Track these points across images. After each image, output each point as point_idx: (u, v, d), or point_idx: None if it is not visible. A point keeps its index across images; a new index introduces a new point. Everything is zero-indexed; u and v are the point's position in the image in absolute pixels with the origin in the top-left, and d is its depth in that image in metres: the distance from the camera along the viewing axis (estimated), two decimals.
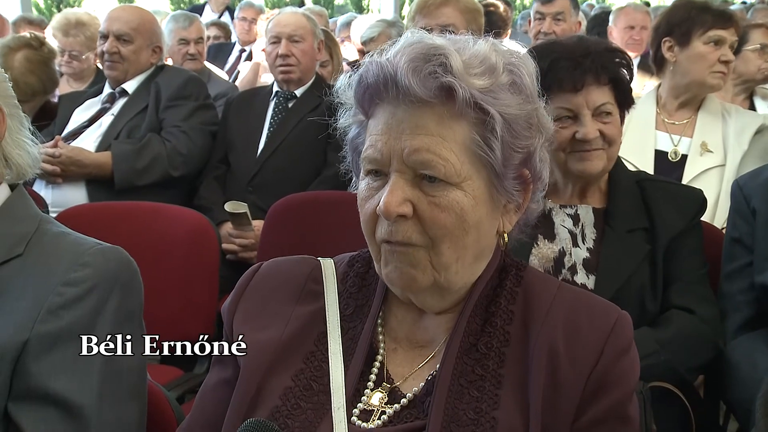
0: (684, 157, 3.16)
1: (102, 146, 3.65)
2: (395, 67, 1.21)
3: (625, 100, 2.16)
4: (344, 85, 1.32)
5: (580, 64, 2.07)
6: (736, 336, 2.08)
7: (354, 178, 1.40)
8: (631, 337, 1.29)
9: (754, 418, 1.87)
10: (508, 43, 1.32)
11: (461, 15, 3.24)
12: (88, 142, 3.69)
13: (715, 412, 2.32)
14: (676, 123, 3.23)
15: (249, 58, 6.88)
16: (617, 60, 2.14)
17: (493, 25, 4.53)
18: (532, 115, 1.27)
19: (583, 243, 2.14)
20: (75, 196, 3.55)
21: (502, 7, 5.21)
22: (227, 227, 3.56)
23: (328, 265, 1.44)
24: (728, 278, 2.15)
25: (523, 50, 1.31)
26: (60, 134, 3.69)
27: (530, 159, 1.29)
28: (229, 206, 3.51)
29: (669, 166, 3.14)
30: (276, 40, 3.85)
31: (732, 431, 2.45)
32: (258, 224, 3.52)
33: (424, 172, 1.22)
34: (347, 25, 7.32)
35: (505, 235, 1.33)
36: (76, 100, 4.00)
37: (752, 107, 4.12)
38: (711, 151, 3.12)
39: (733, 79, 4.11)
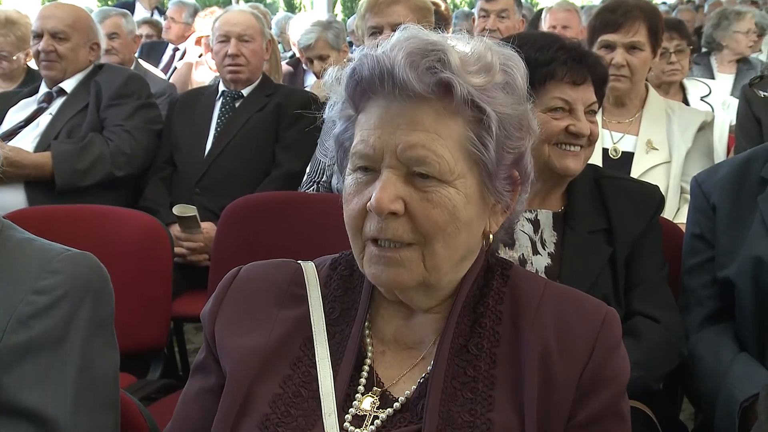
0: (625, 154, 3.22)
1: (41, 147, 3.54)
2: (392, 60, 1.19)
3: (600, 103, 2.20)
4: (332, 79, 1.30)
5: (582, 61, 2.09)
6: (699, 330, 2.10)
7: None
8: (620, 333, 1.30)
9: (719, 411, 1.93)
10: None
11: (412, 13, 3.22)
12: (26, 142, 3.57)
13: (675, 403, 2.36)
14: (621, 121, 3.29)
15: (183, 56, 6.78)
16: (605, 64, 2.20)
17: (436, 23, 4.54)
18: (523, 117, 1.27)
19: (544, 249, 2.13)
20: (13, 199, 3.41)
21: (443, 5, 5.25)
22: (174, 230, 3.47)
23: (309, 269, 1.42)
24: (690, 273, 2.17)
25: (513, 51, 1.31)
26: None
27: (521, 160, 1.29)
28: (177, 209, 3.44)
29: (612, 163, 3.20)
30: (225, 39, 3.79)
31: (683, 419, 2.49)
32: (206, 226, 3.47)
33: (417, 169, 1.20)
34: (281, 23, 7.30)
35: (491, 236, 1.33)
36: (9, 100, 3.87)
37: (685, 98, 4.24)
38: (656, 149, 3.19)
39: (653, 82, 4.22)
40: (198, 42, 5.99)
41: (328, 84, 1.30)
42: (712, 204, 2.13)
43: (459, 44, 1.25)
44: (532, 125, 1.30)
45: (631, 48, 3.19)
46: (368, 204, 1.21)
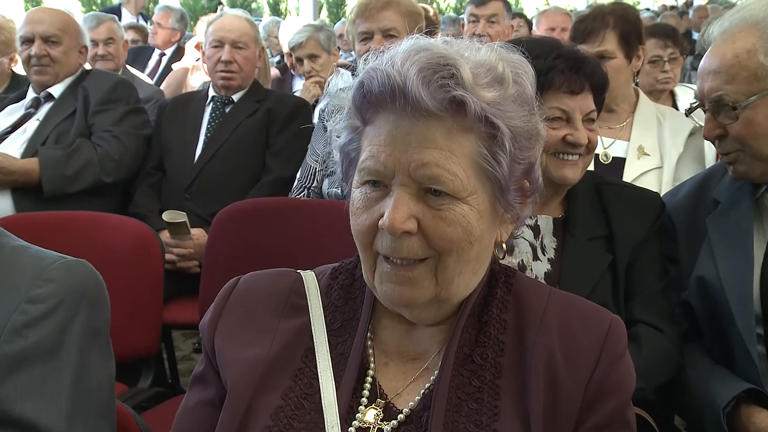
0: (616, 159, 3.21)
1: (28, 152, 3.51)
2: (404, 77, 1.15)
3: (600, 110, 2.17)
4: (337, 88, 1.28)
5: (580, 69, 2.06)
6: None
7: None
8: (625, 341, 1.29)
9: (707, 422, 1.94)
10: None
11: (402, 18, 3.21)
12: (13, 148, 3.54)
13: (669, 408, 2.35)
14: (612, 127, 3.29)
15: (169, 62, 6.75)
16: (603, 71, 2.17)
17: (426, 28, 4.53)
18: (533, 126, 1.25)
19: (544, 254, 2.11)
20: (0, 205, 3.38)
21: (431, 11, 5.25)
22: (164, 236, 3.44)
23: (309, 278, 1.39)
24: (664, 292, 2.15)
25: (521, 56, 1.29)
26: None
27: (531, 170, 1.27)
28: (167, 215, 3.41)
29: (603, 168, 3.19)
30: (218, 44, 3.77)
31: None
32: (196, 232, 3.44)
33: (431, 186, 1.18)
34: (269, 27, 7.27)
35: (504, 245, 1.31)
36: None
37: (674, 104, 4.24)
38: (648, 154, 3.18)
39: (644, 89, 4.21)
40: (198, 47, 5.96)
41: (331, 93, 1.28)
42: (672, 225, 2.14)
43: (467, 52, 1.22)
44: (541, 132, 1.28)
45: (600, 58, 3.14)
46: (380, 222, 1.19)
